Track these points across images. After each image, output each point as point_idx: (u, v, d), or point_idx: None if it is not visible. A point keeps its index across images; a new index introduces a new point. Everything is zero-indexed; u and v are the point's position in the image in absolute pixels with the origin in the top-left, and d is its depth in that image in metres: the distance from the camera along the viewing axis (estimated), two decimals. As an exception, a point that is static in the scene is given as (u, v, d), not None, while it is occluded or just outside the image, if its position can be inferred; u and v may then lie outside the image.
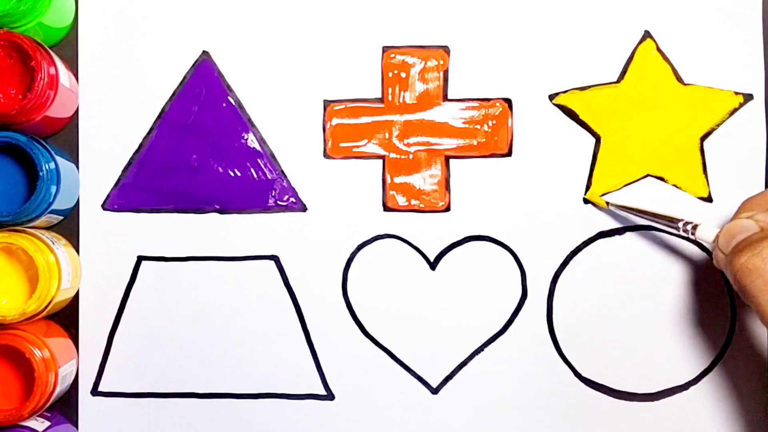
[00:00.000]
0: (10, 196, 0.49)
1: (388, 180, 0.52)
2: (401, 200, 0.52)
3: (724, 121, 0.52)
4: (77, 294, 0.52)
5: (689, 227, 0.44)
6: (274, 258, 0.52)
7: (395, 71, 0.53)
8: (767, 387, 0.52)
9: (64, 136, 0.52)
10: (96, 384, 0.52)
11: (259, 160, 0.52)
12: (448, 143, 0.53)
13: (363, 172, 0.52)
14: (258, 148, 0.52)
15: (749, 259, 0.37)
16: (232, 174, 0.52)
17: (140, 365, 0.52)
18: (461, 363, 0.52)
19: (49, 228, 0.51)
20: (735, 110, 0.52)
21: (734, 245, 0.39)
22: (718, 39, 0.52)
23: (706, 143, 0.52)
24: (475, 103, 0.53)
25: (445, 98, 0.53)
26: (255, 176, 0.52)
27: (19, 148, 0.47)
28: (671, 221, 0.46)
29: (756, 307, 0.37)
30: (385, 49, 0.53)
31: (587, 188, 0.52)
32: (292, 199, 0.52)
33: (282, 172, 0.52)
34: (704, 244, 0.44)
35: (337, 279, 0.52)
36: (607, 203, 0.50)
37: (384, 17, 0.53)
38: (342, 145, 0.52)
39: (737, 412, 0.52)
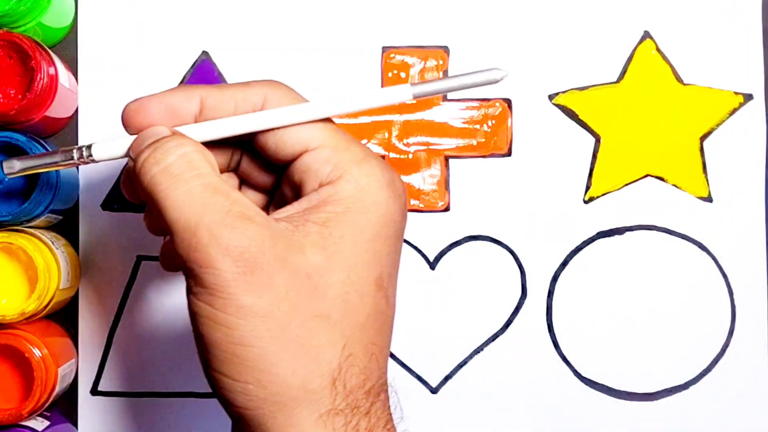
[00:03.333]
0: (10, 196, 0.49)
1: (388, 180, 0.52)
2: (401, 200, 0.52)
3: (724, 121, 0.52)
4: (77, 294, 0.52)
5: (84, 151, 0.36)
6: (274, 258, 0.52)
7: (395, 71, 0.53)
8: (767, 387, 0.52)
9: (64, 136, 0.52)
10: (95, 384, 0.52)
11: (258, 160, 0.52)
12: (447, 143, 0.52)
13: (363, 172, 0.52)
14: (258, 148, 0.52)
15: (152, 153, 0.33)
16: (231, 174, 0.52)
17: (140, 365, 0.52)
18: (461, 363, 0.52)
19: (48, 228, 0.51)
20: (735, 110, 0.52)
21: (143, 147, 0.34)
22: (718, 39, 0.52)
23: (706, 143, 0.52)
24: (475, 103, 0.53)
25: (445, 98, 0.53)
26: (255, 176, 0.52)
27: (18, 148, 0.47)
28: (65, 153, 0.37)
29: (157, 202, 0.32)
30: (384, 49, 0.53)
31: (587, 188, 0.52)
32: (291, 199, 0.52)
33: (282, 172, 0.52)
34: (104, 161, 0.36)
35: (336, 279, 0.52)
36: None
37: (384, 17, 0.53)
38: (342, 145, 0.52)
39: (737, 412, 0.52)
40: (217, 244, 0.31)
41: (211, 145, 0.35)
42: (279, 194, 0.37)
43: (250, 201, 0.33)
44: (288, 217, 0.33)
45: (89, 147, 0.36)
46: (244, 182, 0.38)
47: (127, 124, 0.36)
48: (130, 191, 0.37)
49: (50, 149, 0.48)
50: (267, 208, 0.38)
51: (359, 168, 0.33)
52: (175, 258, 0.33)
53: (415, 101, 0.34)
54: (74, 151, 0.36)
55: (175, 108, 0.35)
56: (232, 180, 0.38)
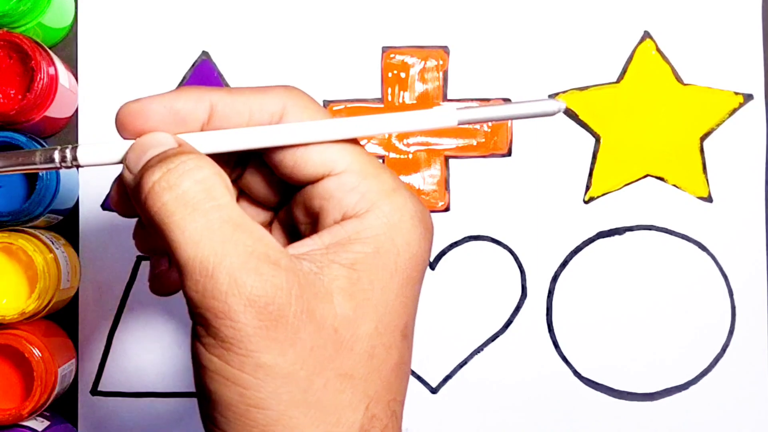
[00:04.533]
0: (10, 196, 0.49)
1: (388, 180, 0.52)
2: (401, 200, 0.52)
3: (724, 121, 0.52)
4: (77, 294, 0.52)
5: (67, 153, 0.30)
6: (274, 258, 0.52)
7: (395, 71, 0.53)
8: (767, 387, 0.52)
9: (64, 136, 0.52)
10: (95, 384, 0.52)
11: (258, 160, 0.52)
12: (447, 143, 0.52)
13: (363, 172, 0.52)
14: (257, 148, 0.52)
15: (164, 176, 0.28)
16: (231, 174, 0.52)
17: (140, 365, 0.52)
18: (461, 363, 0.52)
19: (48, 228, 0.51)
20: (735, 110, 0.52)
21: (146, 161, 0.29)
22: (718, 39, 0.52)
23: (706, 143, 0.52)
24: (475, 103, 0.53)
25: (445, 98, 0.53)
26: (254, 176, 0.52)
27: (18, 148, 0.47)
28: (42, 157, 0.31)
29: (167, 234, 0.27)
30: (384, 49, 0.53)
31: (587, 188, 0.52)
32: (291, 199, 0.52)
33: (282, 172, 0.52)
34: (90, 166, 0.31)
35: (336, 279, 0.52)
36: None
37: (384, 17, 0.53)
38: (342, 145, 0.52)
39: (737, 412, 0.52)
40: (239, 292, 0.26)
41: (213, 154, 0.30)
42: (286, 215, 0.33)
43: (252, 219, 0.28)
44: (310, 254, 0.29)
45: (74, 149, 0.31)
46: (243, 193, 0.34)
47: (123, 128, 0.30)
48: (123, 206, 0.32)
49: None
50: (269, 225, 0.34)
51: (390, 201, 0.29)
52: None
53: (458, 126, 0.31)
54: (56, 152, 0.31)
55: (181, 113, 0.30)
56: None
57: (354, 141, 0.30)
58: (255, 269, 0.27)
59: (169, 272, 0.33)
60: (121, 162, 0.30)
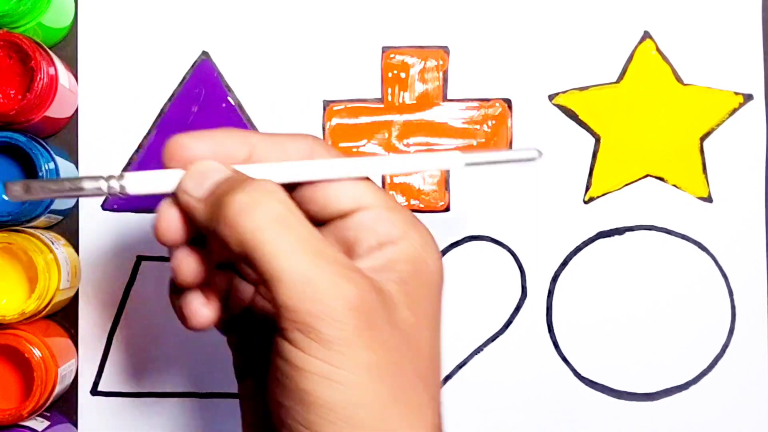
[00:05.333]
0: (10, 196, 0.49)
1: (388, 180, 0.52)
2: (401, 200, 0.52)
3: (724, 121, 0.52)
4: (77, 294, 0.52)
5: (115, 183, 0.32)
6: (274, 258, 0.52)
7: (395, 71, 0.53)
8: (767, 387, 0.52)
9: (64, 136, 0.52)
10: (95, 384, 0.52)
11: (258, 160, 0.52)
12: (447, 143, 0.52)
13: (363, 172, 0.52)
14: (257, 148, 0.52)
15: (251, 196, 0.30)
16: (231, 174, 0.52)
17: (140, 365, 0.52)
18: (461, 363, 0.52)
19: (48, 228, 0.51)
20: (735, 110, 0.52)
21: (214, 186, 0.31)
22: (718, 39, 0.52)
23: (706, 143, 0.52)
24: (475, 104, 0.53)
25: (445, 98, 0.53)
26: (254, 176, 0.52)
27: (18, 148, 0.47)
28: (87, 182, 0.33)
29: (260, 248, 0.29)
30: (384, 49, 0.53)
31: (587, 188, 0.52)
32: (291, 199, 0.52)
33: (282, 172, 0.52)
34: (137, 195, 0.33)
35: (336, 279, 0.52)
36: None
37: (384, 17, 0.53)
38: (342, 145, 0.52)
39: (737, 412, 0.52)
40: (341, 295, 0.29)
41: None
42: None
43: None
44: (366, 272, 0.32)
45: (120, 177, 0.32)
46: None
47: (171, 157, 0.33)
48: (173, 234, 0.33)
49: (50, 149, 0.48)
50: None
51: (416, 229, 0.33)
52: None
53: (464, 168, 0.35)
54: (102, 180, 0.32)
55: (226, 151, 0.33)
56: None
57: (368, 179, 0.34)
58: (348, 277, 0.29)
59: (207, 303, 0.35)
60: (173, 192, 0.32)
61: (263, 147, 0.33)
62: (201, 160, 0.32)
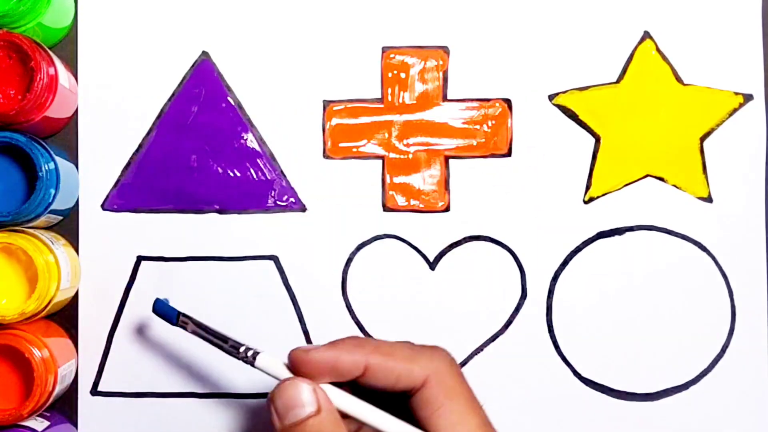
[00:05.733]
0: (10, 196, 0.49)
1: (388, 180, 0.52)
2: (401, 200, 0.52)
3: (724, 121, 0.52)
4: (77, 294, 0.52)
5: (249, 354, 0.42)
6: (274, 258, 0.52)
7: (395, 71, 0.53)
8: (767, 387, 0.52)
9: (64, 136, 0.52)
10: (95, 384, 0.52)
11: (258, 161, 0.52)
12: (447, 143, 0.52)
13: (363, 172, 0.52)
14: (257, 148, 0.52)
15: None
16: (231, 174, 0.52)
17: (140, 365, 0.52)
18: (461, 363, 0.52)
19: (48, 228, 0.51)
20: (735, 110, 0.52)
21: (292, 422, 0.38)
22: (718, 39, 0.52)
23: (706, 143, 0.52)
24: (475, 104, 0.53)
25: (445, 98, 0.53)
26: (254, 176, 0.52)
27: (18, 149, 0.47)
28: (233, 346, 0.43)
29: None
30: (384, 49, 0.53)
31: (587, 188, 0.52)
32: (291, 200, 0.52)
33: (281, 172, 0.52)
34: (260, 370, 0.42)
35: (336, 279, 0.52)
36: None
37: (384, 17, 0.53)
38: (342, 145, 0.52)
39: (737, 412, 0.52)
40: None
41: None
42: None
43: None
44: None
45: (256, 354, 0.41)
46: None
47: (293, 366, 0.40)
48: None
49: (50, 149, 0.48)
50: None
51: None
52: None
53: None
54: (242, 348, 0.41)
55: (341, 368, 0.39)
56: None
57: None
58: None
59: None
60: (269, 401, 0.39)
61: (378, 369, 0.39)
62: (315, 374, 0.39)
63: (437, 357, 0.39)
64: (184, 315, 0.44)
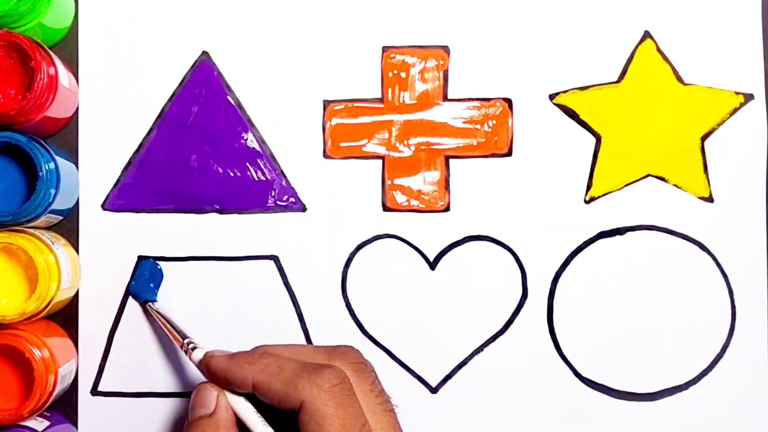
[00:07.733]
0: (10, 196, 0.49)
1: (388, 180, 0.52)
2: (401, 200, 0.52)
3: (724, 121, 0.52)
4: (77, 294, 0.52)
5: (189, 347, 0.46)
6: (274, 258, 0.52)
7: (395, 71, 0.53)
8: (767, 387, 0.52)
9: (64, 136, 0.52)
10: (96, 384, 0.52)
11: (258, 160, 0.52)
12: (447, 143, 0.52)
13: (363, 172, 0.52)
14: (257, 148, 0.52)
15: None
16: (231, 174, 0.52)
17: (140, 365, 0.52)
18: (461, 363, 0.52)
19: (48, 228, 0.51)
20: (735, 110, 0.52)
21: (191, 419, 0.42)
22: (718, 39, 0.52)
23: (706, 143, 0.52)
24: (475, 103, 0.52)
25: (445, 98, 0.53)
26: (254, 176, 0.52)
27: (18, 148, 0.47)
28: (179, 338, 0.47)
29: None
30: (384, 49, 0.53)
31: (588, 188, 0.52)
32: (291, 199, 0.52)
33: (282, 172, 0.52)
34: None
35: (336, 279, 0.52)
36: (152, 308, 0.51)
37: (384, 17, 0.53)
38: (342, 145, 0.52)
39: (737, 412, 0.52)
40: None
41: None
42: None
43: None
44: None
45: (194, 349, 0.45)
46: None
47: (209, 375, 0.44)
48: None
49: (50, 149, 0.48)
50: None
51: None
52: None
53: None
54: (191, 347, 0.45)
55: (232, 382, 0.42)
56: None
57: None
58: None
59: None
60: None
61: (259, 383, 0.41)
62: (212, 388, 0.43)
63: (322, 378, 0.40)
64: (151, 306, 0.50)
